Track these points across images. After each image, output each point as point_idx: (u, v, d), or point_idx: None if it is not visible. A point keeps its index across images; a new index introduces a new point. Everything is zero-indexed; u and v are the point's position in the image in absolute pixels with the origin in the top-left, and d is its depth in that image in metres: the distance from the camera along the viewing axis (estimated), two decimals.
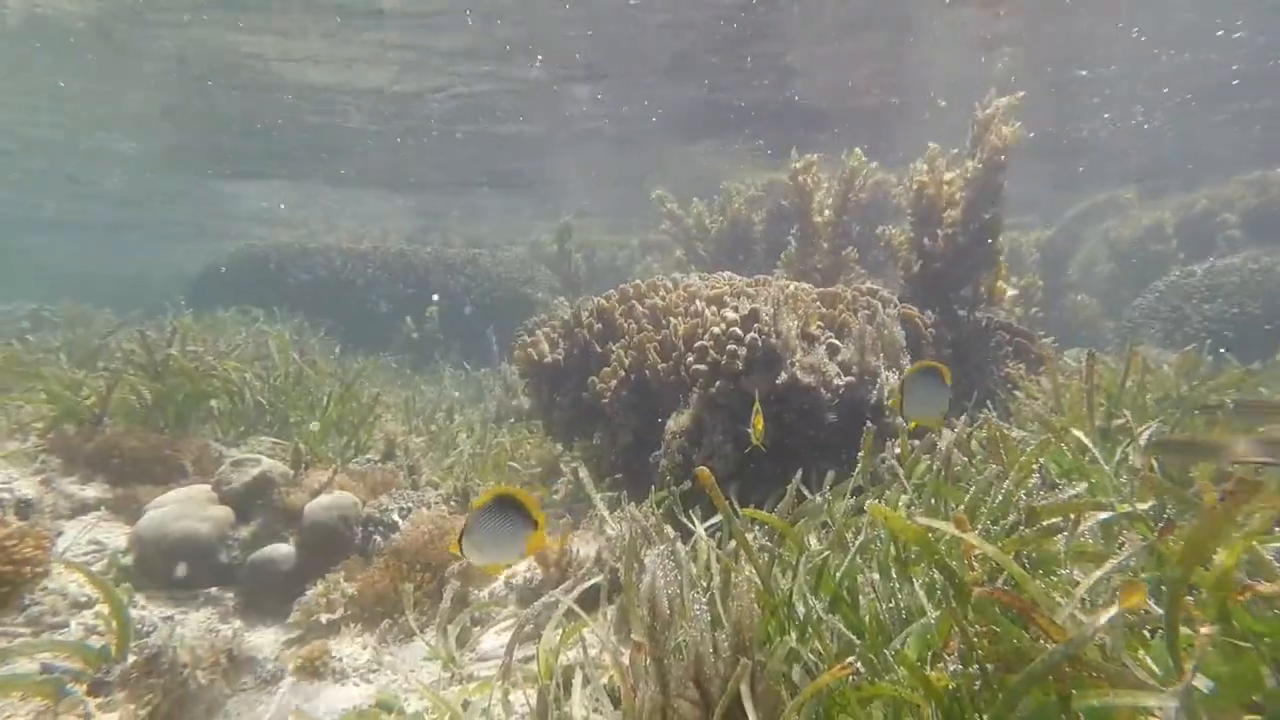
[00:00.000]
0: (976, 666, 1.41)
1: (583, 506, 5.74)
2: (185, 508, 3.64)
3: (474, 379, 12.12)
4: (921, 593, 1.85)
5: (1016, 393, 4.61)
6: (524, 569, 4.11)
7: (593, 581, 3.25)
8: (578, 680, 2.52)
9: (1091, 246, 15.58)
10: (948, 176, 5.70)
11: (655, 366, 5.35)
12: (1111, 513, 1.88)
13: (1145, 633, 1.64)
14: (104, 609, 2.99)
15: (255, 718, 2.62)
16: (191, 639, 2.60)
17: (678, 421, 4.86)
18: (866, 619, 2.15)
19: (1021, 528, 1.91)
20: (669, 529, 3.47)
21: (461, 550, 2.28)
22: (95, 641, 2.52)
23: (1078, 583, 1.84)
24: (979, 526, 2.13)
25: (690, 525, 3.00)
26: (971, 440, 3.54)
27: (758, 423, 3.57)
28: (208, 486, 3.98)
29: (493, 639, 3.50)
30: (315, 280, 16.17)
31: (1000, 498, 2.17)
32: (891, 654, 1.80)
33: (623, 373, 5.60)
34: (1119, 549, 1.89)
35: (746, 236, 11.16)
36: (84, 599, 2.99)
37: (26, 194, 24.32)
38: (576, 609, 2.66)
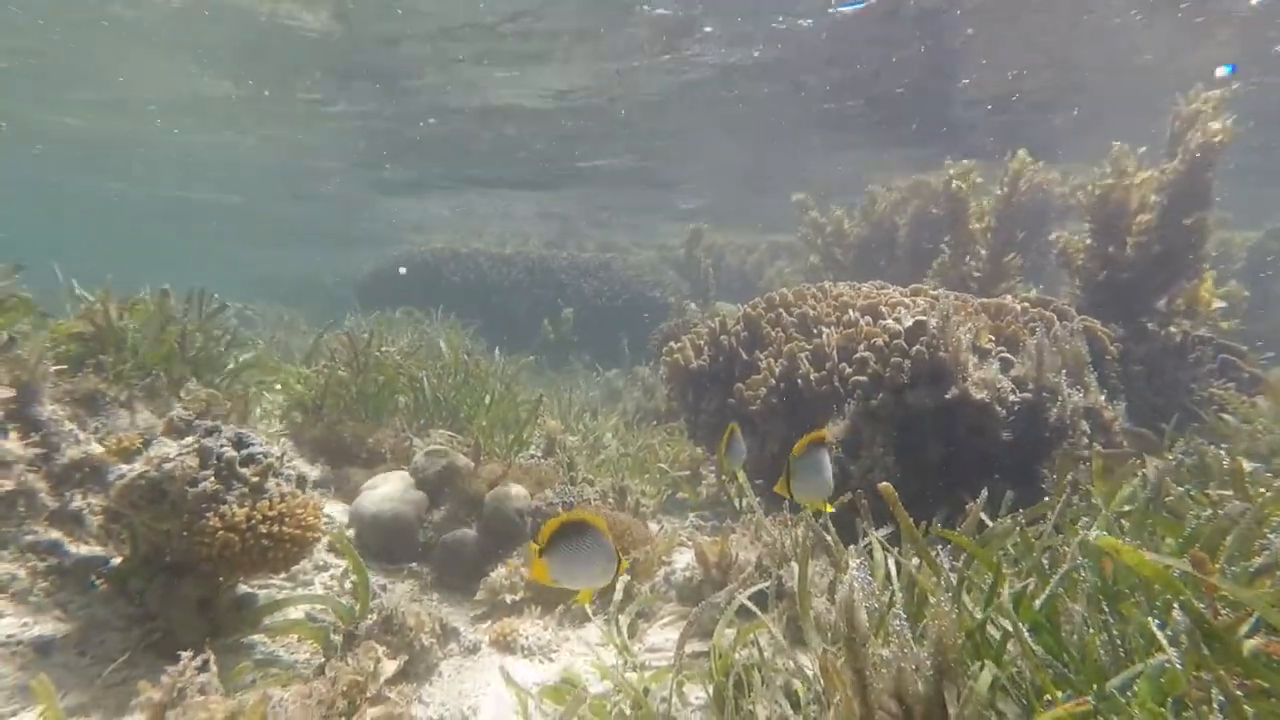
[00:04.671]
0: None
1: (724, 510, 5.84)
2: (392, 490, 4.13)
3: (606, 380, 12.57)
4: (1158, 631, 1.77)
5: (1225, 416, 4.15)
6: (682, 565, 4.27)
7: (759, 586, 3.34)
8: (758, 680, 2.62)
9: None
10: (1139, 178, 5.21)
11: (807, 376, 5.33)
12: None
13: None
14: (339, 574, 3.48)
15: (465, 681, 2.95)
16: (413, 606, 2.97)
17: (832, 431, 4.83)
18: (1075, 652, 2.07)
19: (1278, 573, 1.77)
20: (832, 540, 3.49)
21: (549, 574, 2.21)
22: (343, 600, 2.95)
23: None
24: (1216, 567, 1.98)
25: (866, 534, 3.00)
26: (1180, 468, 3.25)
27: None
28: (406, 472, 4.48)
29: (659, 632, 3.68)
30: (465, 283, 17.46)
31: (1239, 537, 2.00)
32: (1119, 693, 1.73)
33: (772, 381, 5.63)
34: None
35: (889, 242, 10.77)
36: (323, 563, 3.50)
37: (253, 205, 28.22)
38: (753, 608, 2.76)
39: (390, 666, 1.78)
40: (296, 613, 2.77)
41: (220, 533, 2.12)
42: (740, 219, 24.22)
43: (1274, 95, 11.85)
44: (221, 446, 2.25)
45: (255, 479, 2.28)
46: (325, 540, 3.34)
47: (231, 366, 4.03)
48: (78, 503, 2.49)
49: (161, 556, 2.19)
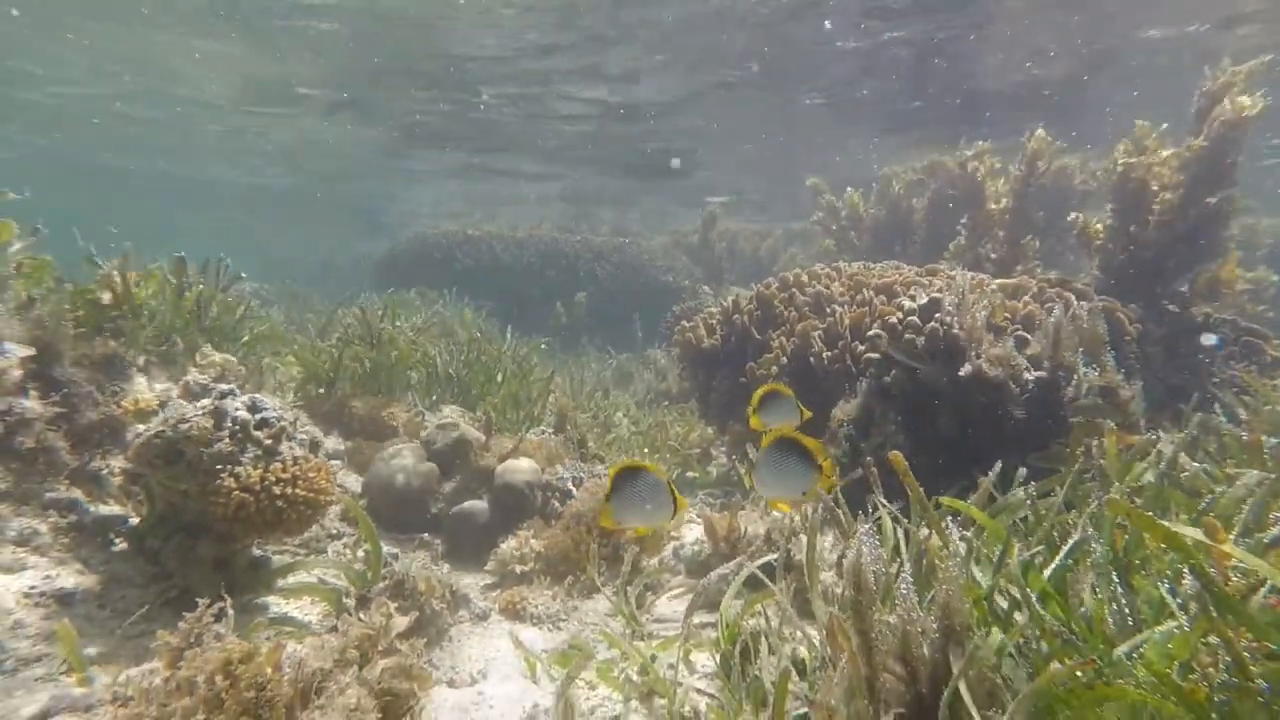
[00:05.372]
0: (1265, 684, 1.33)
1: (734, 489, 5.85)
2: (404, 462, 4.17)
3: (618, 363, 12.58)
4: (1169, 597, 1.75)
5: (1247, 397, 4.08)
6: (691, 540, 4.30)
7: (768, 559, 3.35)
8: (764, 647, 2.63)
9: None
10: (1162, 155, 5.10)
11: (819, 354, 5.31)
12: None
13: None
14: (351, 541, 3.53)
15: (474, 645, 2.99)
16: (424, 572, 3.00)
17: (844, 410, 4.81)
18: (1084, 621, 2.06)
19: None
20: (843, 515, 3.48)
21: (613, 516, 2.32)
22: (356, 566, 3.00)
23: None
24: (1230, 537, 1.96)
25: (880, 505, 2.99)
26: (1197, 447, 3.21)
27: (802, 411, 3.32)
28: (418, 445, 4.53)
29: (666, 604, 3.71)
30: (478, 265, 17.49)
31: (1255, 509, 1.98)
32: (1126, 658, 1.72)
33: (784, 359, 5.62)
34: None
35: (906, 224, 10.63)
36: (335, 531, 3.55)
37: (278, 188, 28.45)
38: (763, 577, 2.77)
39: (402, 622, 1.81)
40: (310, 577, 2.82)
41: (235, 493, 2.16)
42: (761, 209, 24.08)
43: None
44: (236, 410, 2.28)
45: (269, 442, 2.31)
46: (338, 508, 3.39)
47: (247, 338, 4.08)
48: (97, 463, 2.54)
49: (178, 516, 2.23)
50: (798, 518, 3.88)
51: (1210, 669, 1.55)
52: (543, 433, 5.69)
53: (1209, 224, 4.76)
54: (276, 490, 2.24)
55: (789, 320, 5.91)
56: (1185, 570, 1.63)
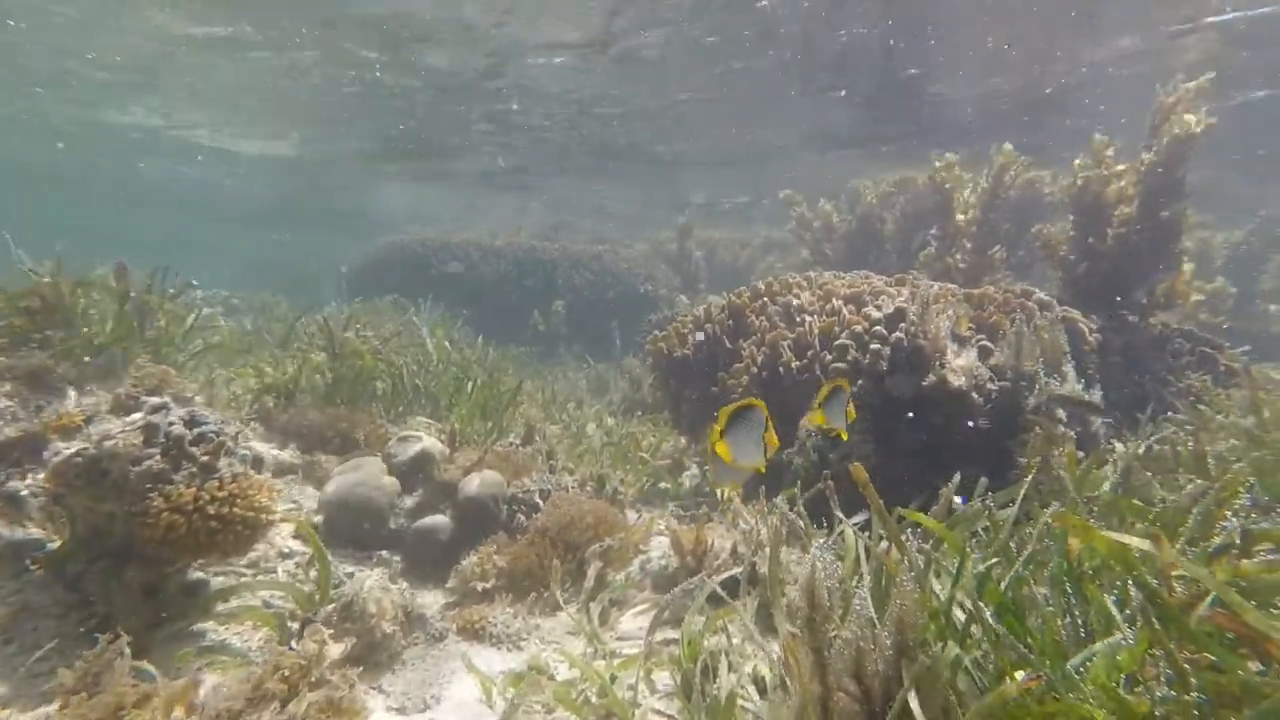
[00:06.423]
0: (1198, 696, 1.31)
1: (708, 499, 5.80)
2: (363, 477, 4.07)
3: (596, 372, 12.52)
4: (1114, 609, 1.74)
5: (1202, 406, 4.14)
6: (658, 554, 4.24)
7: (732, 572, 3.31)
8: (724, 666, 2.58)
9: None
10: (1118, 168, 5.19)
11: (789, 364, 5.30)
12: None
13: None
14: (304, 561, 3.42)
15: (428, 669, 2.90)
16: (376, 593, 2.91)
17: (812, 420, 4.80)
18: (1038, 633, 2.05)
19: (1233, 552, 1.75)
20: (803, 525, 3.46)
21: (721, 451, 2.47)
22: (303, 587, 2.89)
23: None
24: (1175, 547, 1.96)
25: (839, 518, 2.97)
26: (1149, 455, 3.24)
27: (850, 412, 3.36)
28: (379, 459, 4.42)
29: (631, 620, 3.64)
30: (454, 273, 17.34)
31: (1199, 518, 1.98)
32: (1075, 671, 1.71)
33: (754, 369, 5.60)
34: None
35: (877, 235, 10.74)
36: (288, 550, 3.44)
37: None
38: (723, 594, 2.73)
39: (335, 650, 1.73)
40: (254, 599, 2.71)
41: (165, 514, 2.06)
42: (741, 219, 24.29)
43: None
44: (170, 424, 2.18)
45: (205, 458, 2.22)
46: (290, 526, 3.28)
47: (198, 347, 3.95)
48: (14, 483, 2.41)
49: (103, 540, 2.12)
50: (765, 531, 3.85)
51: (1153, 682, 1.54)
52: (510, 444, 5.61)
53: (1163, 237, 4.85)
54: (212, 510, 2.15)
55: (760, 330, 5.90)
56: (1130, 582, 1.61)
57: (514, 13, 11.27)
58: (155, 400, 2.25)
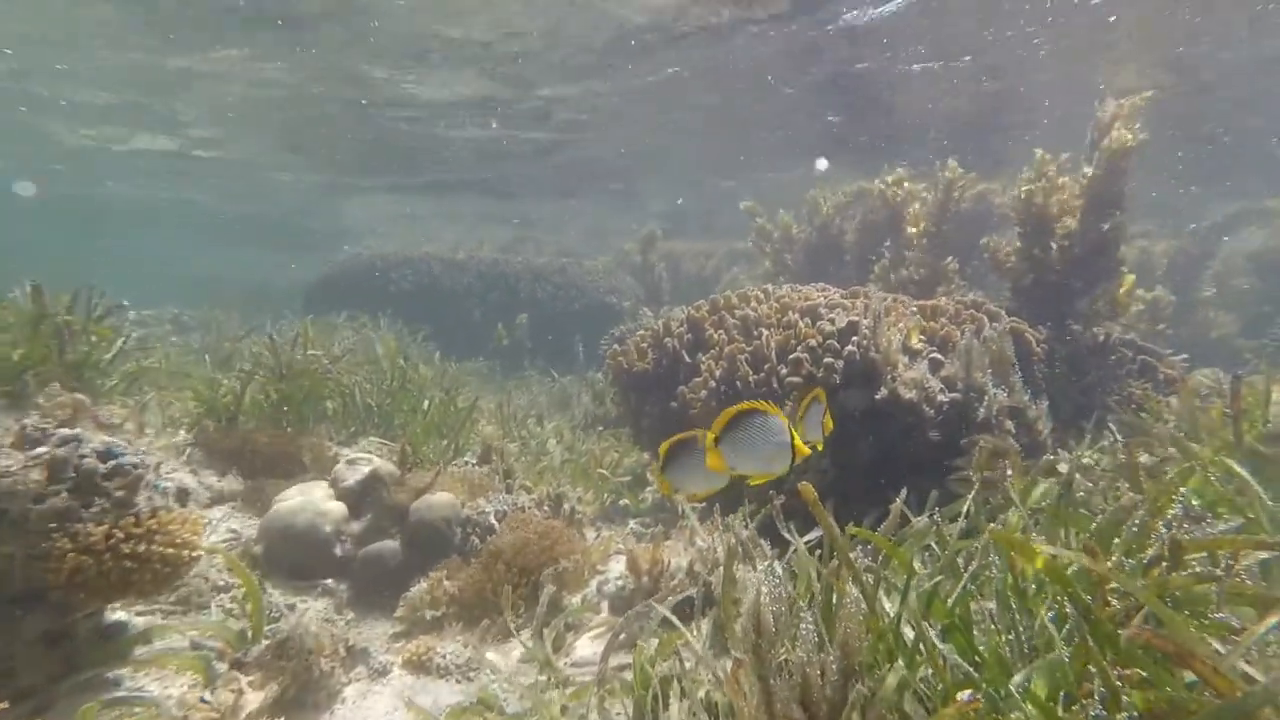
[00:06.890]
0: (1127, 716, 1.31)
1: (669, 515, 5.75)
2: (307, 503, 3.92)
3: (560, 386, 12.39)
4: (1051, 626, 1.74)
5: (1143, 415, 4.26)
6: (615, 574, 4.16)
7: (688, 593, 3.26)
8: (675, 693, 2.53)
9: (1229, 258, 14.19)
10: (1060, 182, 5.35)
11: (746, 378, 5.30)
12: (1277, 552, 1.70)
13: None
14: (240, 594, 3.26)
15: (369, 707, 2.78)
16: (315, 628, 2.78)
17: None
18: (984, 650, 2.04)
19: (1164, 564, 1.76)
20: (764, 544, 3.43)
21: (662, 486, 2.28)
22: (234, 624, 2.75)
23: (1234, 628, 1.67)
24: (1112, 559, 1.97)
25: (789, 539, 2.94)
26: (1096, 465, 3.30)
27: (827, 422, 3.32)
28: (325, 483, 4.27)
29: (587, 645, 3.56)
30: (416, 288, 17.06)
31: (1135, 529, 2.01)
32: (1016, 690, 1.70)
33: (713, 383, 5.58)
34: None
35: (836, 246, 10.88)
36: (223, 584, 3.27)
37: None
38: (674, 619, 2.67)
39: (254, 698, 1.62)
40: (180, 640, 2.56)
41: (70, 555, 1.92)
42: (704, 231, 24.47)
43: None
44: (81, 458, 2.05)
45: (121, 493, 2.08)
46: (221, 559, 3.12)
47: (129, 368, 3.75)
48: None
49: (2, 585, 1.97)
50: (721, 549, 3.81)
51: (1089, 700, 1.53)
52: (466, 463, 5.48)
53: (1104, 247, 5.01)
54: (126, 549, 2.02)
55: (719, 343, 5.90)
56: (1065, 597, 1.61)
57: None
58: (65, 432, 2.12)
